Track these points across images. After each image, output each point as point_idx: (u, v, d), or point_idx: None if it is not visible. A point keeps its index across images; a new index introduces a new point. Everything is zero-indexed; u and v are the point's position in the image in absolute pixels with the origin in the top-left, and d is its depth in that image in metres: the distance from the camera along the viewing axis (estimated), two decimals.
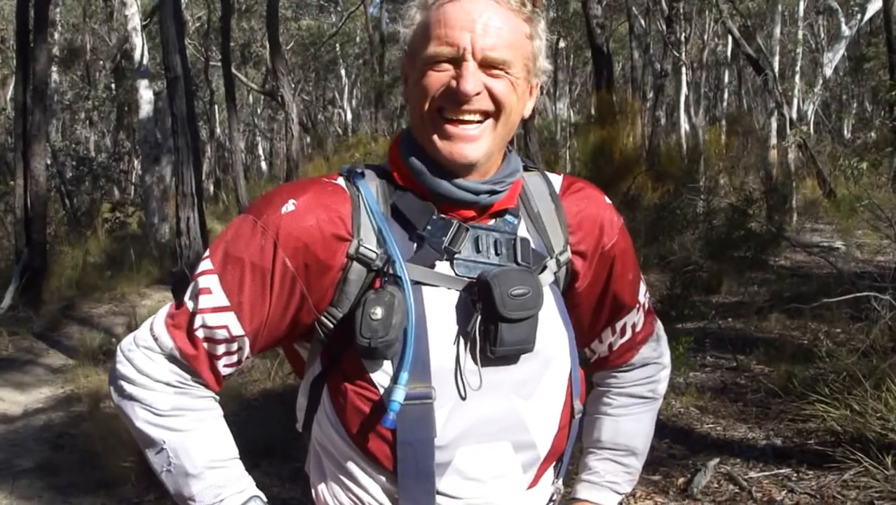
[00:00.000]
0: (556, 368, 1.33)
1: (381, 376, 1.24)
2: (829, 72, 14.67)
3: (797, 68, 15.73)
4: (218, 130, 27.42)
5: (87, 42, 24.16)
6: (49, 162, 12.69)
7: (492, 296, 1.22)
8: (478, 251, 1.29)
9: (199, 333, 1.27)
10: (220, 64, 18.35)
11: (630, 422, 1.53)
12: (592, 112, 12.59)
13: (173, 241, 9.09)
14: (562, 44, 24.62)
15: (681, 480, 3.88)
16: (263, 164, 32.40)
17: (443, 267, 1.28)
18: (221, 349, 1.28)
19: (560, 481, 1.43)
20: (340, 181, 1.31)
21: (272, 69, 15.42)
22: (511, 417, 1.29)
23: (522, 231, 1.34)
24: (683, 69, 16.74)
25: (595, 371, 1.55)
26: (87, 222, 14.63)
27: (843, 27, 14.28)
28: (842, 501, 3.46)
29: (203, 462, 1.29)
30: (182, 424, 1.29)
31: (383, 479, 1.29)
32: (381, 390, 1.24)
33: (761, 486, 3.73)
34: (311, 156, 21.23)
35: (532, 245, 1.33)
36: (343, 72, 30.93)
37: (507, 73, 1.24)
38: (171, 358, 1.28)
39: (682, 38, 16.26)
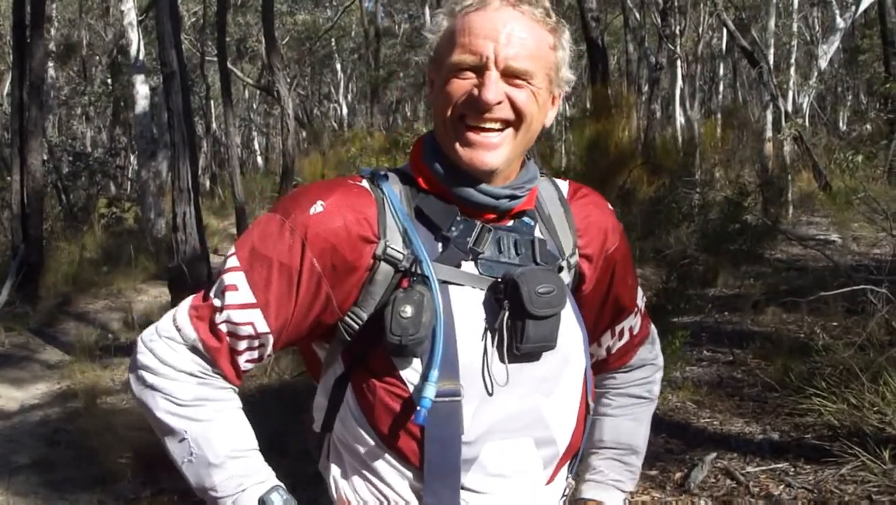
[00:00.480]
0: (573, 365, 1.37)
1: (411, 374, 1.27)
2: (824, 64, 14.62)
3: (792, 61, 15.70)
4: (214, 126, 27.32)
5: (83, 38, 24.11)
6: (45, 157, 12.66)
7: (519, 294, 1.25)
8: (500, 252, 1.32)
9: (223, 328, 1.29)
10: (216, 59, 18.32)
11: (630, 421, 1.59)
12: (588, 105, 12.55)
13: (169, 237, 9.07)
14: None
15: (678, 474, 3.88)
16: (259, 160, 32.33)
17: (468, 267, 1.31)
18: (244, 345, 1.30)
19: (571, 477, 1.46)
20: (365, 183, 1.33)
21: (268, 64, 15.36)
22: (533, 413, 1.32)
23: (538, 233, 1.38)
24: (679, 62, 16.69)
25: (594, 374, 1.58)
26: (83, 218, 14.62)
27: (838, 19, 14.24)
28: (839, 496, 3.46)
29: (225, 452, 1.31)
30: (204, 414, 1.31)
31: (410, 474, 1.30)
32: (411, 388, 1.27)
33: (758, 480, 3.73)
34: (308, 151, 21.20)
35: (547, 246, 1.36)
36: (339, 66, 30.87)
37: (529, 83, 1.26)
38: (194, 349, 1.30)
39: (678, 31, 16.19)
